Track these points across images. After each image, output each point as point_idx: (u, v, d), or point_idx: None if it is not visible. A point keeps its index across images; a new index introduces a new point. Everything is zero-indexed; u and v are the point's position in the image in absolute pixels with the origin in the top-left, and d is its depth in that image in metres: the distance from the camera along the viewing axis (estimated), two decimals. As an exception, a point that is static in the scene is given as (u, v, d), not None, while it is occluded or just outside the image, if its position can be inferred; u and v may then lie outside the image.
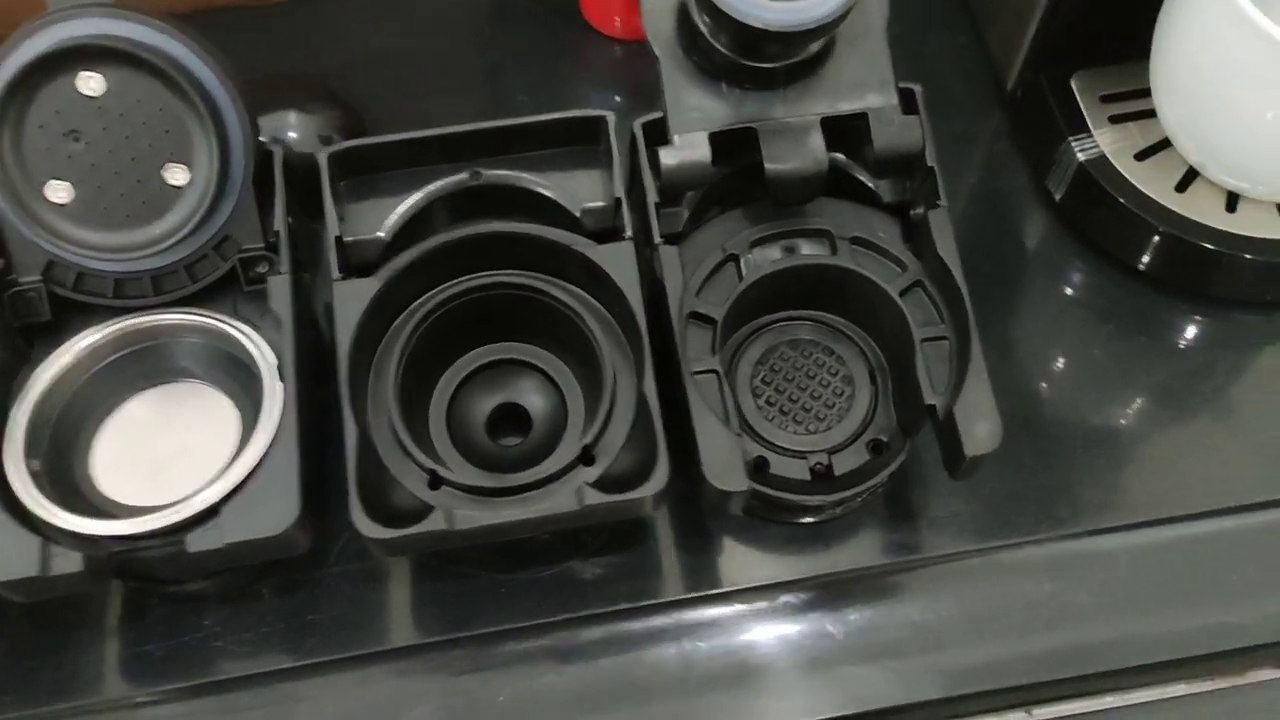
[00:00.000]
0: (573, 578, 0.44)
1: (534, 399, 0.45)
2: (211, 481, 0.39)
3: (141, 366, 0.43)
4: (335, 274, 0.41)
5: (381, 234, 0.43)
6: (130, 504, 0.40)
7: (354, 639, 0.43)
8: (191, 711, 0.42)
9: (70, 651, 0.43)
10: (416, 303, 0.43)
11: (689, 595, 0.45)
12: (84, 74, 0.39)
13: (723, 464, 0.39)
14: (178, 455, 0.41)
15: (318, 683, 0.43)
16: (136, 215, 0.40)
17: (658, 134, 0.43)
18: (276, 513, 0.38)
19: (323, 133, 0.51)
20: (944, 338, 0.43)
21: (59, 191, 0.40)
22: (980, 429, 0.40)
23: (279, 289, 0.42)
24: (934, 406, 0.41)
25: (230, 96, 0.40)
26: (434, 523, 0.38)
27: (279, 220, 0.42)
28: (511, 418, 0.45)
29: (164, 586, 0.43)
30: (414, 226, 0.44)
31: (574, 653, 0.43)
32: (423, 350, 0.42)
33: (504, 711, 0.42)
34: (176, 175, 0.41)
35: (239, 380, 0.42)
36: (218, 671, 0.43)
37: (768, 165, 0.43)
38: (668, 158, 0.42)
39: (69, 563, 0.37)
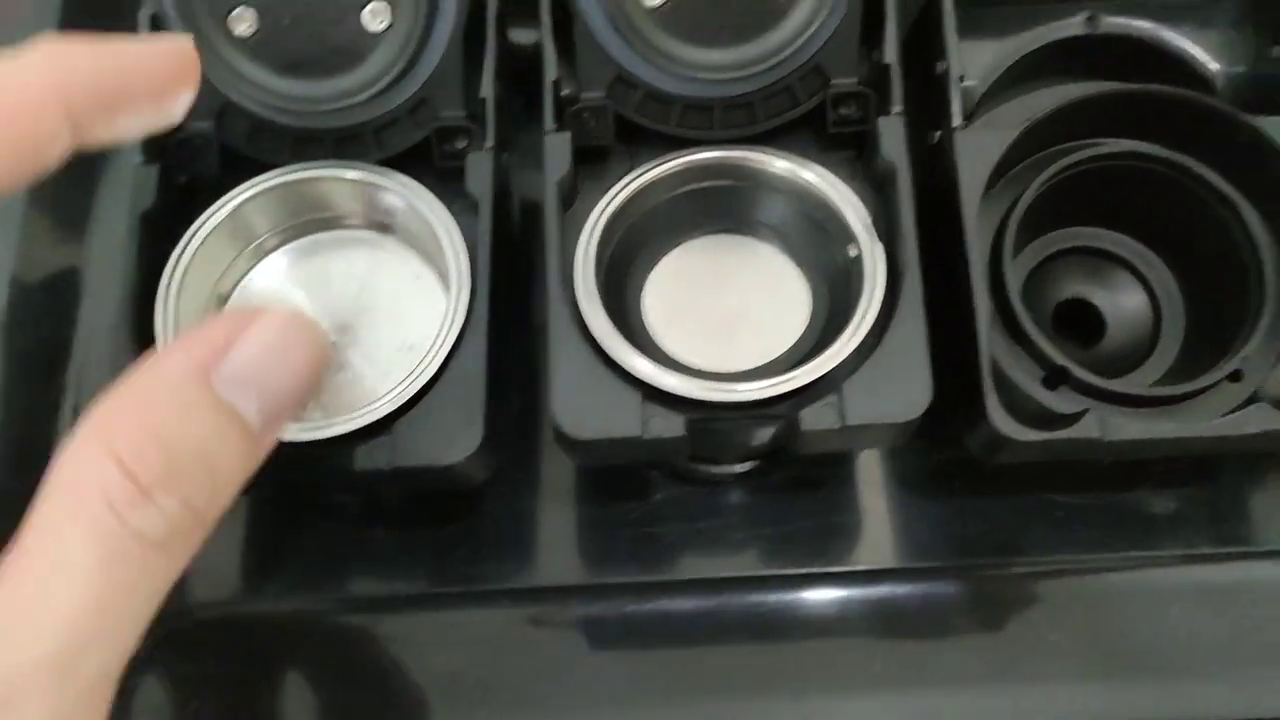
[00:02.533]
0: (1139, 509, 0.38)
1: (1116, 299, 0.38)
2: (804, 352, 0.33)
3: None
4: (957, 121, 0.34)
5: (974, 82, 0.37)
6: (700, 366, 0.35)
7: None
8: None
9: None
10: (1018, 167, 0.36)
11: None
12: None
13: None
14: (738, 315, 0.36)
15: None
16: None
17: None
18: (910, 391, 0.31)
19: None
20: None
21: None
22: None
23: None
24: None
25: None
26: (1085, 428, 0.32)
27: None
28: (1074, 318, 0.39)
29: (695, 469, 0.38)
30: (1012, 77, 0.37)
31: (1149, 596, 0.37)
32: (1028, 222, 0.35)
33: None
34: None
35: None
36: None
37: None
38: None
39: (670, 425, 0.31)
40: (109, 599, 0.22)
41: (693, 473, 0.38)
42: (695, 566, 0.38)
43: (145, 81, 0.26)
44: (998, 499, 0.38)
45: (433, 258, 0.36)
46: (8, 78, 0.24)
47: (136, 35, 0.33)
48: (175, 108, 0.27)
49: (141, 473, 0.22)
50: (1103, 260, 0.38)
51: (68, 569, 0.21)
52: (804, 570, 0.38)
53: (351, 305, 0.36)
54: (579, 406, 0.32)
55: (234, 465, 0.24)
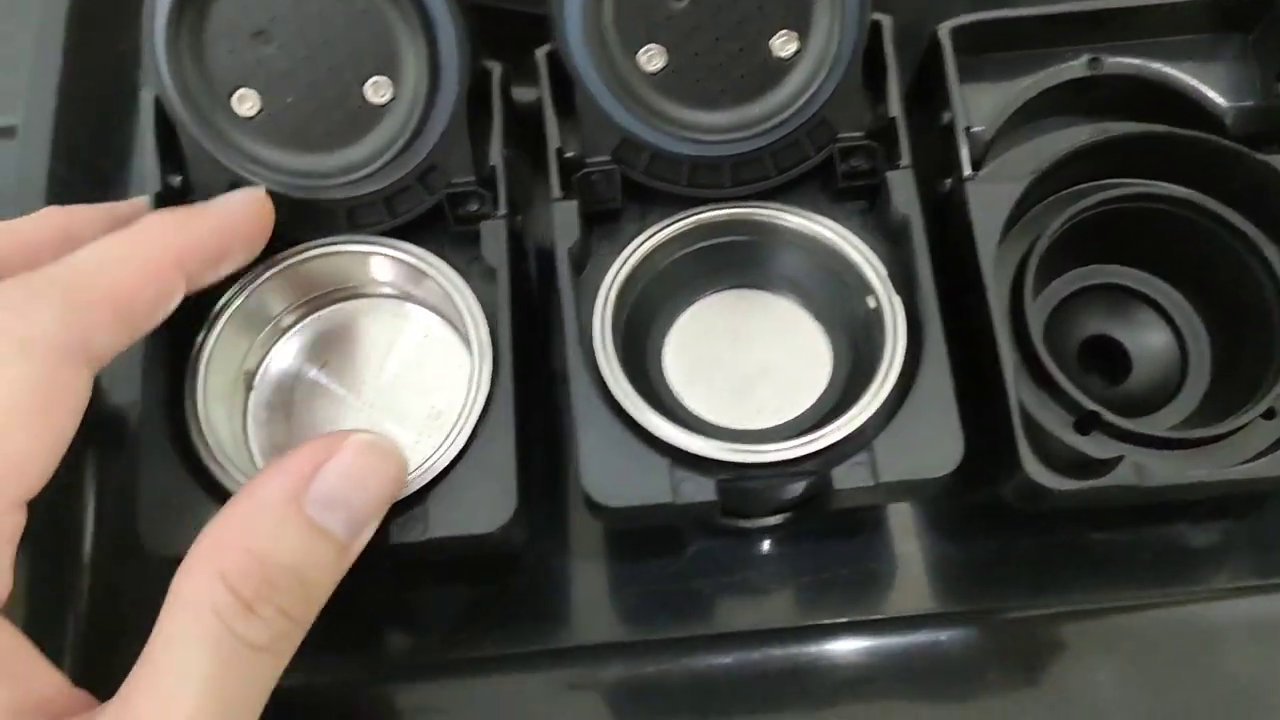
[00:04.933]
0: (1180, 544, 0.38)
1: (1141, 336, 0.38)
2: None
3: None
4: (967, 171, 0.34)
5: (981, 128, 0.37)
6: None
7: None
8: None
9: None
10: (1032, 212, 0.36)
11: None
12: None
13: None
14: (760, 371, 0.36)
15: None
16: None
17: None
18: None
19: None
20: None
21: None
22: None
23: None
24: None
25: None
26: (1122, 475, 0.31)
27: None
28: (1099, 354, 0.38)
29: (726, 524, 0.37)
30: (1018, 120, 0.37)
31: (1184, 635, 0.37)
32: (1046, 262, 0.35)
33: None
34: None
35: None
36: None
37: None
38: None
39: (702, 489, 0.31)
40: (228, 694, 0.25)
41: (725, 527, 0.37)
42: (733, 619, 0.37)
43: (240, 241, 0.32)
44: (1035, 539, 0.37)
45: (453, 321, 0.36)
46: (140, 249, 0.29)
47: (223, 196, 0.34)
48: (260, 249, 0.33)
49: (244, 589, 0.26)
50: (1125, 296, 0.38)
51: (190, 675, 0.25)
52: (843, 619, 0.37)
53: (378, 373, 0.36)
54: (608, 475, 0.31)
55: (324, 576, 0.28)
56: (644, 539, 0.38)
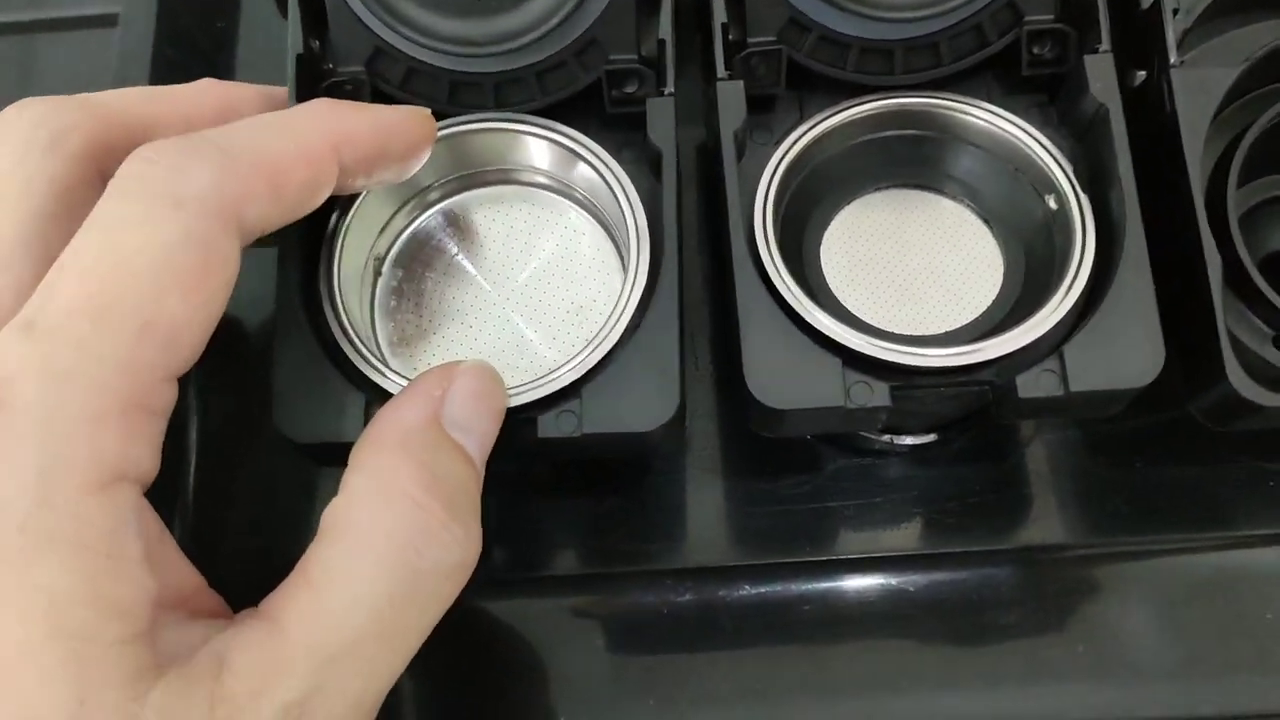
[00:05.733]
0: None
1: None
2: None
3: None
4: (1173, 57, 0.31)
5: (1180, 17, 0.34)
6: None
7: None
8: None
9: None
10: (1232, 107, 0.33)
11: None
12: None
13: None
14: (924, 274, 0.33)
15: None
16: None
17: None
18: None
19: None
20: None
21: None
22: None
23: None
24: None
25: None
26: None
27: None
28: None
29: (871, 440, 0.35)
30: (1216, 9, 0.34)
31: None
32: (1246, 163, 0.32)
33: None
34: None
35: None
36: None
37: None
38: None
39: (876, 394, 0.29)
40: (401, 624, 0.25)
41: (868, 443, 0.36)
42: (869, 543, 0.35)
43: (398, 144, 0.30)
44: (1202, 466, 0.35)
45: (601, 214, 0.34)
46: (297, 131, 0.28)
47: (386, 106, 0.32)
48: (416, 166, 0.31)
49: (433, 507, 0.26)
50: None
51: (361, 603, 0.25)
52: (988, 547, 0.35)
53: (515, 264, 0.34)
54: (776, 375, 0.29)
55: (476, 494, 0.27)
56: (778, 454, 0.36)
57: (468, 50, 0.32)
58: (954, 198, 0.34)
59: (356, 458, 0.27)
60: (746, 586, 0.35)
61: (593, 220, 0.34)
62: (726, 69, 0.32)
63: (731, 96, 0.32)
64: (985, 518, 0.35)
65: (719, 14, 0.32)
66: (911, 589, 0.35)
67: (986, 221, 0.34)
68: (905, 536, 0.35)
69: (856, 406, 0.29)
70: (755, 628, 0.35)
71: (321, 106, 0.29)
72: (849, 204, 0.34)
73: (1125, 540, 0.35)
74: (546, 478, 0.36)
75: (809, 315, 0.30)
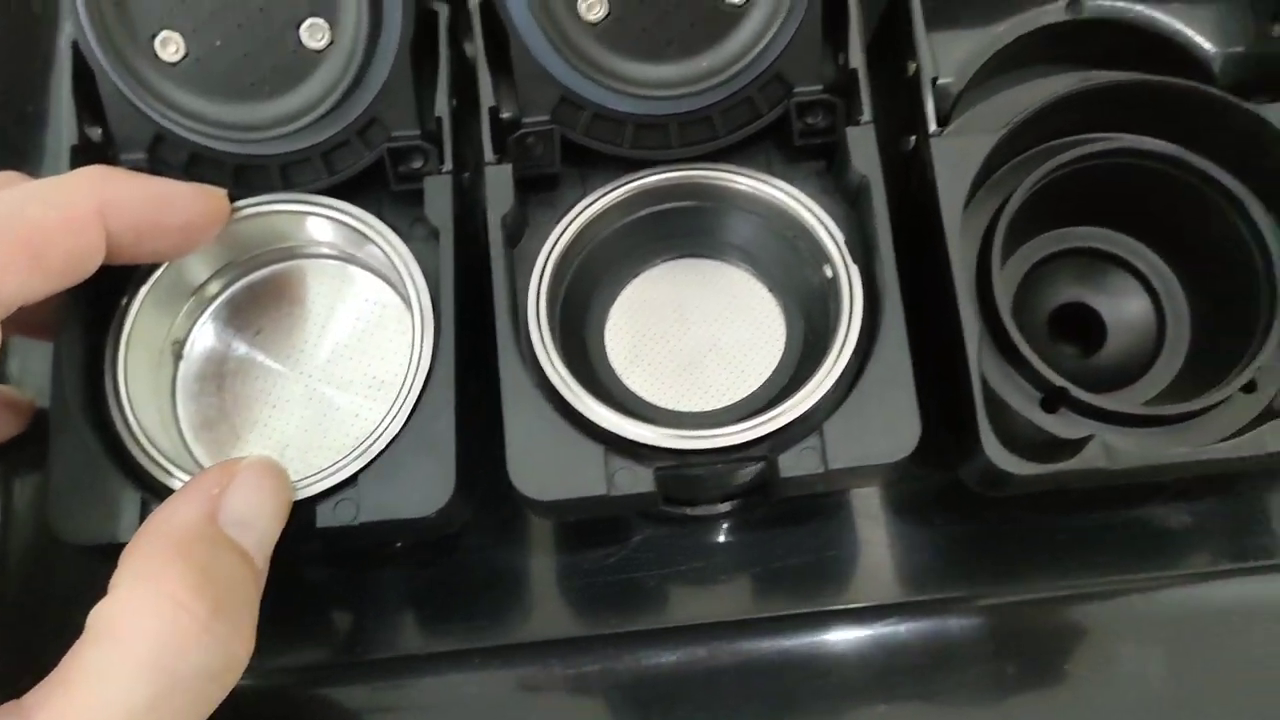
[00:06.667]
0: (1153, 526, 0.36)
1: (1116, 303, 0.36)
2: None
3: None
4: (932, 126, 0.32)
5: (950, 80, 0.34)
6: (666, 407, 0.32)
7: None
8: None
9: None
10: (1002, 170, 0.34)
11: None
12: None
13: None
14: (707, 347, 0.33)
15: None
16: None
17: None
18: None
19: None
20: None
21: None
22: None
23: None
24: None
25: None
26: (1090, 458, 0.29)
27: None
28: (1072, 322, 0.36)
29: (671, 512, 0.35)
30: (991, 70, 0.35)
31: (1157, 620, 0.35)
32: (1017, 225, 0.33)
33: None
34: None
35: None
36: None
37: None
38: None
39: (639, 480, 0.29)
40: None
41: (670, 515, 0.36)
42: (680, 612, 0.35)
43: (175, 216, 0.30)
44: (999, 525, 0.35)
45: (395, 285, 0.34)
46: (59, 197, 0.27)
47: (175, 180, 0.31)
48: (202, 241, 0.31)
49: (199, 608, 0.25)
50: (1100, 261, 0.35)
51: (116, 707, 0.24)
52: (796, 610, 0.35)
53: (316, 342, 0.34)
54: (537, 465, 0.29)
55: (253, 593, 0.27)
56: (586, 526, 0.36)
57: (250, 135, 0.32)
58: (738, 265, 0.34)
59: (126, 558, 0.26)
60: (556, 661, 0.35)
61: (389, 288, 0.34)
62: (495, 152, 0.32)
63: (499, 181, 0.32)
64: (792, 581, 0.35)
65: (486, 97, 0.32)
66: (720, 655, 0.35)
67: (770, 289, 0.34)
68: (710, 604, 0.35)
69: (620, 494, 0.29)
70: (563, 705, 0.35)
71: (92, 172, 0.29)
72: (634, 278, 0.34)
73: (930, 597, 0.35)
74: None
75: (575, 400, 0.30)
